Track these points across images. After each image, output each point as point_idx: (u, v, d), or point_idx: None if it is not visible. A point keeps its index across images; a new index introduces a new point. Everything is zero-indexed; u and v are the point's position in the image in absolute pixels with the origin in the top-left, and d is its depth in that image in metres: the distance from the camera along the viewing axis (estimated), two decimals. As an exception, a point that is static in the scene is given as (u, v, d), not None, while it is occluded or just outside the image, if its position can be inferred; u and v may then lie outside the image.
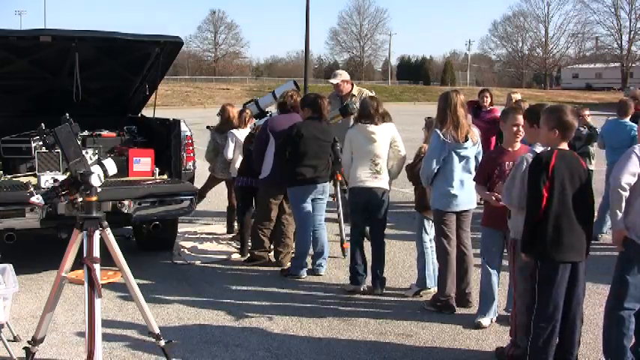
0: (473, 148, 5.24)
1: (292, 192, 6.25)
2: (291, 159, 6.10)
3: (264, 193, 6.58)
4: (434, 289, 5.53)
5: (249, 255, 6.82)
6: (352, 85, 8.01)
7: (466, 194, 5.27)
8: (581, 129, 8.12)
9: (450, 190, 5.19)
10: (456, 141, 5.12)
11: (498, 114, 9.29)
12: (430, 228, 5.63)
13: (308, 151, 6.07)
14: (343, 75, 7.98)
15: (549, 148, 3.93)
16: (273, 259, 6.66)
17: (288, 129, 6.14)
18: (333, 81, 7.88)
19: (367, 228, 5.90)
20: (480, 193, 4.95)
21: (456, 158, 5.16)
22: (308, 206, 6.22)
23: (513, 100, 8.87)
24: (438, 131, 5.15)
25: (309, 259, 6.39)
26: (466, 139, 5.17)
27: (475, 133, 5.29)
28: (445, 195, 5.20)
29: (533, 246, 3.87)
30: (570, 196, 3.81)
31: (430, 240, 5.64)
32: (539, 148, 4.11)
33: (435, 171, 5.17)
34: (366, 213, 5.77)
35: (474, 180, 5.12)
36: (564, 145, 3.94)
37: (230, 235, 7.81)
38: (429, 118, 5.89)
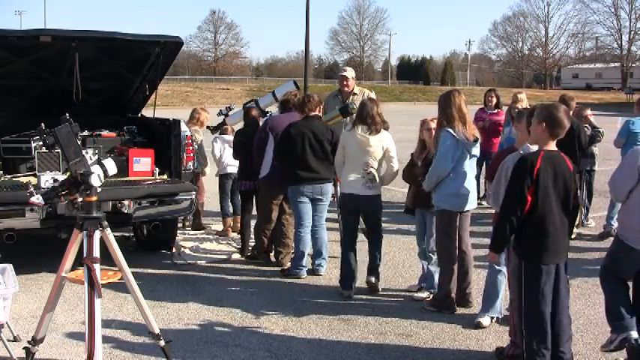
0: (478, 147, 5.25)
1: (289, 191, 6.29)
2: (285, 158, 6.15)
3: (265, 193, 6.61)
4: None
5: (249, 254, 6.86)
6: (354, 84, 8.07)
7: (473, 193, 5.28)
8: (585, 129, 8.11)
9: (461, 190, 5.16)
10: (467, 139, 5.11)
11: (503, 117, 9.41)
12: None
13: (297, 151, 6.08)
14: (353, 72, 8.12)
15: (536, 149, 3.93)
16: (273, 259, 6.67)
17: (282, 130, 6.21)
18: (347, 74, 7.93)
19: (363, 225, 5.91)
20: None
21: (467, 157, 5.15)
22: (304, 205, 6.22)
23: (520, 100, 8.90)
24: (451, 130, 5.08)
25: (309, 259, 6.39)
26: (475, 138, 5.17)
27: (476, 132, 5.30)
28: (455, 195, 5.17)
29: (521, 249, 3.88)
30: (554, 198, 3.81)
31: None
32: (534, 148, 4.11)
33: (448, 171, 5.12)
34: (357, 216, 5.80)
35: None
36: (552, 146, 3.91)
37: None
38: (424, 119, 5.85)
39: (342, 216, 5.97)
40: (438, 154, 5.16)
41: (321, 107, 6.49)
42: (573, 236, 7.51)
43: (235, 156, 7.25)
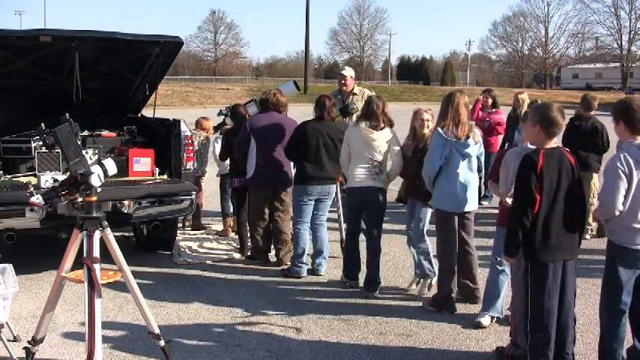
0: (475, 147, 5.23)
1: (294, 189, 6.32)
2: (298, 157, 6.18)
3: (253, 194, 6.67)
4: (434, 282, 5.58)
5: (249, 253, 6.87)
6: (354, 84, 8.09)
7: (470, 194, 5.26)
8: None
9: (455, 189, 5.16)
10: (457, 138, 5.12)
11: (503, 115, 9.43)
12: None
13: (312, 150, 6.11)
14: (352, 72, 8.16)
15: (536, 148, 3.89)
16: (273, 259, 6.67)
17: (296, 128, 6.24)
18: (346, 73, 7.96)
19: (364, 225, 5.92)
20: (495, 192, 4.98)
21: (458, 157, 5.15)
22: (307, 205, 6.23)
23: (521, 101, 8.91)
24: (440, 129, 5.15)
25: (309, 259, 6.39)
26: (467, 138, 5.17)
27: (477, 133, 5.31)
28: (448, 194, 5.18)
29: (524, 249, 3.85)
30: (559, 194, 3.78)
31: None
32: (530, 147, 4.10)
33: (437, 170, 5.16)
34: (363, 213, 5.79)
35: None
36: (551, 144, 3.88)
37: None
38: (417, 109, 5.89)
39: (348, 214, 5.97)
40: (427, 153, 5.28)
41: None
42: (589, 228, 7.50)
43: (223, 156, 7.28)
